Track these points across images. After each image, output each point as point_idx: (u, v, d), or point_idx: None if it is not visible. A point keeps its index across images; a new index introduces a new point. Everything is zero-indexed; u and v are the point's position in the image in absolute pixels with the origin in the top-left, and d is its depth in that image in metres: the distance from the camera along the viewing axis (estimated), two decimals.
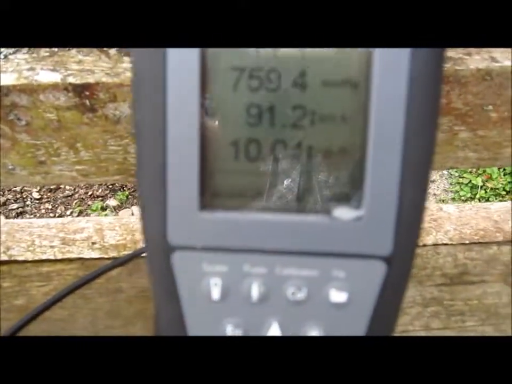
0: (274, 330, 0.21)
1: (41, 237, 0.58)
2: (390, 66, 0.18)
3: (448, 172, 1.83)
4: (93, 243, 0.58)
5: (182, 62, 0.19)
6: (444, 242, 0.57)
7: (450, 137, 0.47)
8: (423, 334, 0.47)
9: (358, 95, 0.19)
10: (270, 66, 0.19)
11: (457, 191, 1.78)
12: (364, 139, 0.19)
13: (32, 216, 1.62)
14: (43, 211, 1.63)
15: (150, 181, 0.20)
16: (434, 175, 1.84)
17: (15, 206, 1.62)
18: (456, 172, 1.84)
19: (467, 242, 0.57)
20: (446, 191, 1.80)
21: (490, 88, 0.42)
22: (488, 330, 0.48)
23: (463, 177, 1.79)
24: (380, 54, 0.19)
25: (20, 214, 1.62)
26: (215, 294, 0.20)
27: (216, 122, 0.20)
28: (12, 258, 0.55)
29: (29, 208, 1.62)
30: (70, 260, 0.55)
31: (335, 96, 0.19)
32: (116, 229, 0.59)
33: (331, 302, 0.20)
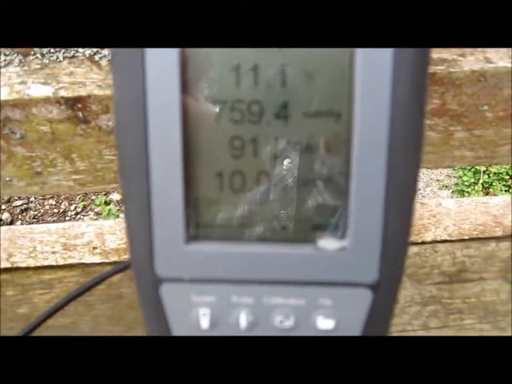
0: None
1: (42, 242, 0.59)
2: (372, 98, 0.18)
3: (458, 166, 1.82)
4: (94, 248, 0.58)
5: (164, 96, 0.19)
6: (443, 238, 0.57)
7: (446, 137, 0.47)
8: (421, 333, 0.47)
9: (341, 126, 0.19)
10: (252, 98, 0.19)
11: (460, 177, 1.77)
12: (347, 169, 0.19)
13: (36, 212, 1.63)
14: (47, 207, 1.64)
15: (136, 215, 0.20)
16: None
17: (19, 202, 1.63)
18: None
19: (466, 238, 0.57)
20: (449, 176, 1.79)
21: (485, 89, 0.42)
22: (487, 328, 0.48)
23: None
24: (361, 84, 0.18)
25: (24, 211, 1.63)
26: (204, 323, 0.21)
27: (200, 153, 0.20)
28: (15, 266, 0.56)
29: (33, 204, 1.64)
30: (72, 266, 0.56)
31: (318, 127, 0.19)
32: (117, 232, 0.60)
33: (318, 329, 0.21)
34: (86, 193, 1.67)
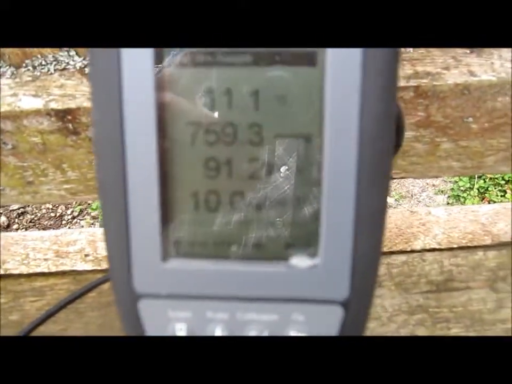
0: None
1: (35, 250, 0.59)
2: (341, 121, 0.19)
3: (445, 176, 1.83)
4: (86, 255, 0.59)
5: (140, 115, 0.19)
6: (432, 246, 0.58)
7: (433, 148, 0.47)
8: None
9: (311, 148, 0.20)
10: (225, 121, 0.20)
11: (456, 182, 1.78)
12: (318, 190, 0.20)
13: (33, 216, 1.63)
14: (44, 211, 1.65)
15: (114, 232, 0.21)
16: None
17: (16, 206, 1.64)
18: None
19: (455, 246, 0.58)
20: (445, 181, 1.80)
21: (469, 101, 0.43)
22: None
23: None
24: (331, 111, 0.19)
25: (21, 215, 1.63)
26: None
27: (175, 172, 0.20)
28: (8, 272, 0.56)
29: (29, 208, 1.64)
30: (64, 273, 0.56)
31: (289, 149, 0.20)
32: None
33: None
34: None
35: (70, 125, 0.41)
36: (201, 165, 0.20)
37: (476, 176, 1.75)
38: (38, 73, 0.42)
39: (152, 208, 0.20)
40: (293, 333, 0.21)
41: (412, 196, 1.76)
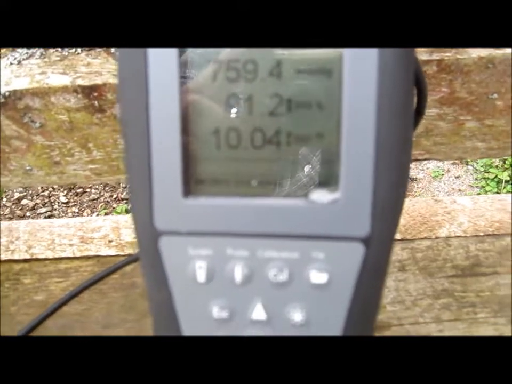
0: (258, 311, 0.22)
1: (61, 236, 0.60)
2: (360, 59, 0.19)
3: (473, 167, 1.80)
4: (110, 241, 0.60)
5: (162, 58, 0.20)
6: (458, 234, 0.57)
7: (457, 127, 0.47)
8: (433, 326, 0.47)
9: (332, 83, 0.20)
10: (247, 57, 0.20)
11: (483, 186, 1.74)
12: (338, 124, 0.20)
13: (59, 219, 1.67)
14: (70, 214, 1.68)
15: (136, 171, 0.21)
16: (459, 171, 1.81)
17: (43, 210, 1.67)
18: (481, 166, 1.80)
19: (481, 234, 0.57)
20: (472, 186, 1.77)
21: (494, 76, 0.42)
22: (501, 322, 0.47)
23: (489, 172, 1.76)
24: (349, 51, 0.19)
25: (48, 218, 1.67)
26: (201, 276, 0.21)
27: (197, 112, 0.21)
28: (34, 257, 0.57)
29: (56, 212, 1.68)
30: (88, 258, 0.57)
31: (310, 84, 0.20)
32: (132, 227, 0.61)
33: (312, 283, 0.21)
34: (108, 202, 1.70)
35: (96, 102, 0.42)
36: (222, 101, 0.20)
37: (504, 181, 1.71)
38: (66, 53, 0.43)
39: (174, 145, 0.20)
40: (313, 272, 0.21)
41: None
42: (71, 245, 0.59)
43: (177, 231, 0.21)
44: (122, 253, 0.58)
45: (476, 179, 1.78)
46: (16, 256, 0.57)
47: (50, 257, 0.57)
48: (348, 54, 0.19)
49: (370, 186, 0.20)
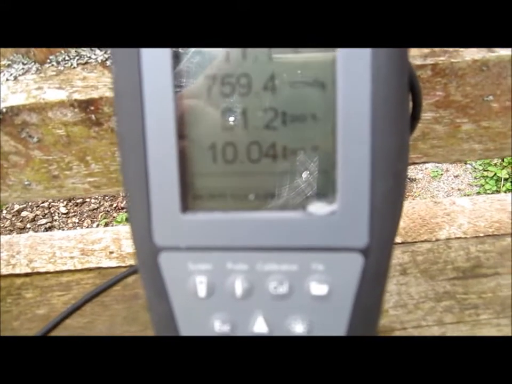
0: (260, 324, 0.22)
1: (61, 248, 0.60)
2: (353, 65, 0.19)
3: (472, 166, 1.80)
4: (111, 252, 0.60)
5: (157, 72, 0.20)
6: (458, 236, 0.57)
7: (453, 129, 0.47)
8: (436, 329, 0.47)
9: (325, 94, 0.20)
10: (240, 72, 0.20)
11: (482, 185, 1.74)
12: (333, 136, 0.20)
13: (60, 230, 1.67)
14: (70, 225, 1.68)
15: (133, 187, 0.21)
16: (458, 170, 1.81)
17: (43, 221, 1.67)
18: (480, 165, 1.80)
19: (481, 235, 0.57)
20: (471, 185, 1.77)
21: (489, 78, 0.42)
22: (504, 323, 0.47)
23: (488, 170, 1.76)
24: (342, 54, 0.19)
25: (48, 229, 1.67)
26: (201, 291, 0.21)
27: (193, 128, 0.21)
28: (35, 271, 0.58)
29: (57, 222, 1.68)
30: (89, 270, 0.57)
31: (304, 97, 0.20)
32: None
33: (312, 294, 0.21)
34: (108, 211, 1.71)
35: (93, 116, 0.42)
36: (217, 116, 0.21)
37: (503, 179, 1.71)
38: (62, 68, 0.44)
39: (171, 161, 0.21)
40: (313, 284, 0.21)
41: None
42: (72, 257, 0.59)
43: (177, 246, 0.21)
44: (123, 264, 0.58)
45: (475, 178, 1.78)
46: (17, 271, 0.57)
47: (52, 270, 0.57)
48: (341, 63, 0.19)
49: (367, 197, 0.20)
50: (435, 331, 0.47)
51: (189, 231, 0.21)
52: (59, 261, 0.59)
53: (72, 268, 0.57)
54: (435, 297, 0.49)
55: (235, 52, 0.20)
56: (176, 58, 0.20)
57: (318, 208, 0.20)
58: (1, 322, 0.51)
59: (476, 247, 0.53)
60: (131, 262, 0.58)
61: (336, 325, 0.21)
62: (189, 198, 0.21)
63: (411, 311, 0.48)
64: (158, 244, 0.21)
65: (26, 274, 0.57)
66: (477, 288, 0.49)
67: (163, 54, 0.20)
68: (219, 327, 0.22)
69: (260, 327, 0.22)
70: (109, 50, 0.44)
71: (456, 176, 1.79)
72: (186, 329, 0.22)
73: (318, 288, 0.21)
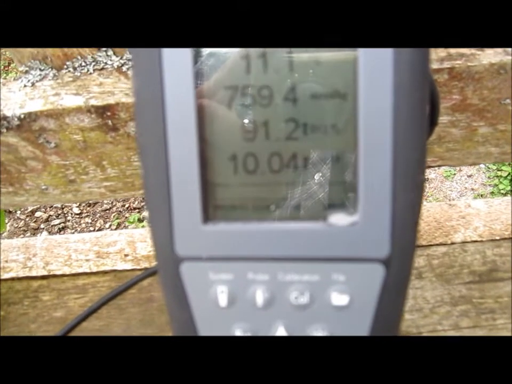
0: (280, 334, 0.22)
1: (77, 251, 0.61)
2: (375, 76, 0.19)
3: (485, 165, 1.78)
4: (126, 255, 0.60)
5: (178, 85, 0.20)
6: (473, 239, 0.56)
7: (470, 133, 0.46)
8: (452, 333, 0.46)
9: (346, 106, 0.20)
10: (261, 83, 0.20)
11: (496, 185, 1.73)
12: (355, 147, 0.20)
13: (73, 230, 1.68)
14: (83, 225, 1.69)
15: (155, 198, 0.21)
16: (471, 170, 1.79)
17: (57, 221, 1.69)
18: (494, 164, 1.78)
19: (497, 238, 0.56)
20: (484, 185, 1.75)
21: (506, 81, 0.42)
22: None
23: (502, 170, 1.74)
24: (363, 64, 0.19)
25: (61, 229, 1.69)
26: (222, 301, 0.22)
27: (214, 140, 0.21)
28: (51, 273, 0.58)
29: (70, 223, 1.69)
30: (105, 272, 0.58)
31: (325, 108, 0.20)
32: (147, 240, 0.61)
33: (333, 305, 0.21)
34: (120, 211, 1.72)
35: (110, 121, 0.43)
36: (238, 127, 0.21)
37: None
38: (78, 74, 0.44)
39: (192, 172, 0.21)
40: (334, 294, 0.21)
41: (449, 200, 1.72)
42: (87, 260, 0.60)
43: (198, 256, 0.21)
44: (138, 267, 0.58)
45: (489, 177, 1.76)
46: (34, 273, 0.58)
47: (68, 273, 0.58)
48: (362, 74, 0.19)
49: (389, 207, 0.20)
50: (451, 335, 0.46)
51: (210, 241, 0.21)
52: (75, 264, 0.60)
53: (88, 271, 0.58)
54: (451, 302, 0.48)
55: (255, 63, 0.20)
56: (196, 62, 0.20)
57: (339, 219, 0.20)
58: (19, 325, 0.52)
59: (492, 250, 0.53)
60: (146, 264, 0.59)
61: (356, 334, 0.21)
62: (210, 209, 0.21)
63: (427, 315, 0.48)
64: (180, 254, 0.21)
65: (43, 277, 0.57)
66: (493, 292, 0.49)
67: (184, 55, 0.20)
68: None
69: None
70: (124, 56, 0.44)
71: (469, 176, 1.78)
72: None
73: (339, 299, 0.21)
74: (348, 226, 0.20)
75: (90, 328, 0.50)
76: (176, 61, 0.20)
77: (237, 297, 0.22)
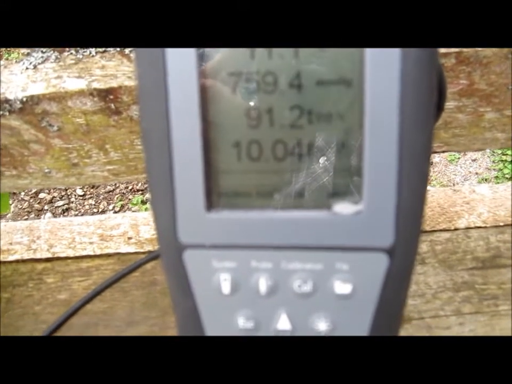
0: (283, 322, 0.22)
1: (81, 234, 0.61)
2: (382, 63, 0.19)
3: (490, 149, 1.77)
4: (129, 238, 0.61)
5: (181, 70, 0.20)
6: (477, 225, 0.56)
7: (476, 118, 0.46)
8: (454, 318, 0.47)
9: (352, 93, 0.20)
10: (266, 70, 0.20)
11: (500, 169, 1.72)
12: (360, 135, 0.20)
13: (77, 212, 1.69)
14: (87, 207, 1.70)
15: (158, 185, 0.21)
16: (476, 154, 1.78)
17: (60, 203, 1.70)
18: (498, 149, 1.77)
19: (501, 224, 0.56)
20: (489, 169, 1.74)
21: None
22: None
23: (506, 154, 1.73)
24: (371, 52, 0.19)
25: (65, 211, 1.69)
26: (226, 288, 0.22)
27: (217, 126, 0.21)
28: (55, 256, 0.59)
29: (73, 204, 1.70)
30: (108, 255, 0.58)
31: (330, 95, 0.20)
32: (150, 223, 0.62)
33: (336, 293, 0.21)
34: (124, 193, 1.72)
35: (112, 105, 0.42)
36: (242, 114, 0.20)
37: None
38: (81, 56, 0.43)
39: (196, 159, 0.21)
40: (337, 283, 0.21)
41: (453, 185, 1.71)
42: (91, 243, 0.60)
43: (201, 244, 0.21)
44: (141, 250, 0.59)
45: (493, 162, 1.75)
46: (38, 255, 0.58)
47: (72, 255, 0.58)
48: (369, 61, 0.19)
49: (394, 197, 0.20)
50: (453, 321, 0.47)
51: (214, 229, 0.21)
52: (79, 246, 0.60)
53: (92, 253, 0.58)
54: (453, 287, 0.49)
55: (260, 50, 0.20)
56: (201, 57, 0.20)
57: (344, 207, 0.20)
58: (24, 307, 0.52)
59: (495, 237, 0.53)
60: (149, 247, 0.59)
61: (359, 323, 0.21)
62: (213, 196, 0.21)
63: (429, 301, 0.48)
64: (183, 241, 0.21)
65: (47, 260, 0.58)
66: (496, 279, 0.49)
67: (188, 54, 0.20)
68: (243, 323, 0.22)
69: (283, 324, 0.22)
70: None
71: (473, 160, 1.77)
72: (210, 326, 0.22)
73: (342, 287, 0.21)
74: (352, 215, 0.20)
75: (94, 311, 0.51)
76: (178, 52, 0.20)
77: (240, 285, 0.22)
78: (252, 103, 0.20)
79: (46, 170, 0.49)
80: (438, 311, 0.48)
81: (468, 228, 0.56)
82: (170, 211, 0.21)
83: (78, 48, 0.44)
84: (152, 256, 0.54)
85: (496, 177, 1.73)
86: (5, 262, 0.58)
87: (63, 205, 1.70)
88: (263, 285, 0.21)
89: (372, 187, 0.20)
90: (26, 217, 1.69)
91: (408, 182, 0.20)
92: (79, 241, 0.60)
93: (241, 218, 0.21)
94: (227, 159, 0.21)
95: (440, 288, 0.49)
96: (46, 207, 1.70)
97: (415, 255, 0.21)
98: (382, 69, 0.19)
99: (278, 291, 0.22)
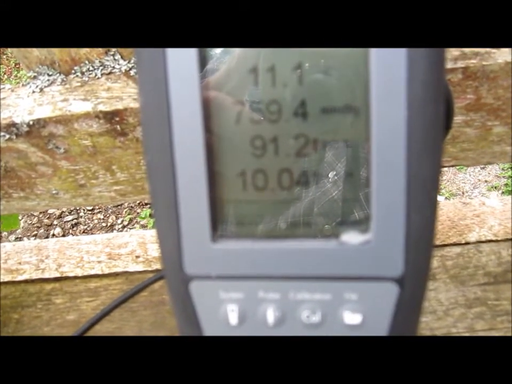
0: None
1: (89, 253, 0.61)
2: (388, 90, 0.19)
3: (499, 163, 1.76)
4: (137, 256, 0.60)
5: (184, 96, 0.20)
6: (488, 238, 0.55)
7: (484, 132, 0.45)
8: (467, 335, 0.46)
9: (358, 120, 0.19)
10: (270, 98, 0.20)
11: (510, 176, 1.70)
12: (367, 164, 0.19)
13: (86, 226, 1.70)
14: (96, 221, 1.71)
15: (163, 216, 0.21)
16: None
17: (69, 218, 1.70)
18: None
19: None
20: (498, 176, 1.73)
21: None
22: None
23: None
24: (376, 79, 0.19)
25: (74, 225, 1.70)
26: (233, 319, 0.21)
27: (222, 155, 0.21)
28: (64, 275, 0.58)
29: (82, 219, 1.71)
30: (116, 274, 0.58)
31: (336, 123, 0.20)
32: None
33: (346, 324, 0.21)
34: (132, 207, 1.73)
35: (118, 127, 0.43)
36: (247, 143, 0.20)
37: None
38: (86, 79, 0.44)
39: (201, 190, 0.20)
40: (346, 313, 0.21)
41: (463, 193, 1.70)
42: (99, 262, 0.60)
43: (208, 275, 0.21)
44: (149, 269, 0.58)
45: (503, 169, 1.74)
46: (46, 275, 0.58)
47: (80, 275, 0.58)
48: (375, 88, 0.19)
49: (403, 226, 0.19)
50: None
51: (220, 259, 0.21)
52: (87, 265, 0.60)
53: (100, 273, 0.58)
54: (465, 304, 0.48)
55: (264, 78, 0.20)
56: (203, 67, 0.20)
57: (352, 237, 0.20)
58: (32, 328, 0.52)
59: (507, 251, 0.52)
60: (157, 266, 0.58)
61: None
62: (219, 227, 0.21)
63: (441, 318, 0.47)
64: (189, 272, 0.21)
65: (56, 279, 0.58)
66: (509, 294, 0.48)
67: (191, 77, 0.20)
68: None
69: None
70: (132, 60, 0.44)
71: (482, 168, 1.75)
72: None
73: (352, 318, 0.21)
74: (360, 245, 0.20)
75: (103, 331, 0.50)
76: (182, 72, 0.20)
77: (247, 315, 0.21)
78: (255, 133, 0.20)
79: (54, 192, 0.49)
80: (450, 328, 0.47)
81: (478, 242, 0.55)
82: (175, 242, 0.21)
83: (84, 71, 0.44)
84: (160, 276, 0.54)
85: (506, 184, 1.71)
86: (14, 282, 0.58)
87: (72, 220, 1.71)
88: (270, 315, 0.21)
89: (380, 216, 0.19)
90: (35, 232, 1.69)
91: (417, 211, 0.19)
92: (87, 260, 0.60)
93: (248, 249, 0.21)
94: (232, 189, 0.21)
95: (452, 304, 0.48)
96: (55, 222, 1.71)
97: (426, 284, 0.20)
98: (388, 95, 0.19)
99: (286, 322, 0.21)
